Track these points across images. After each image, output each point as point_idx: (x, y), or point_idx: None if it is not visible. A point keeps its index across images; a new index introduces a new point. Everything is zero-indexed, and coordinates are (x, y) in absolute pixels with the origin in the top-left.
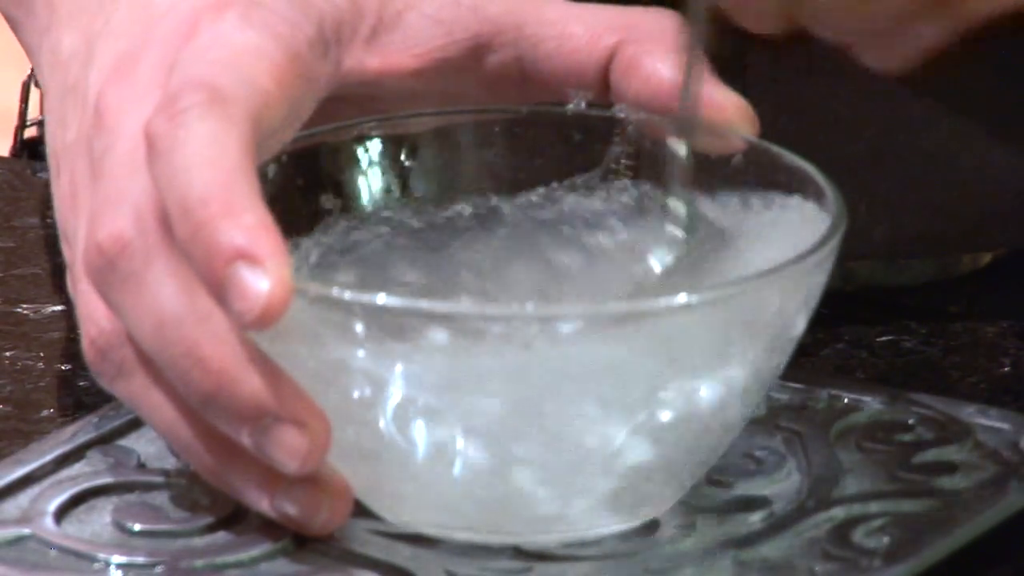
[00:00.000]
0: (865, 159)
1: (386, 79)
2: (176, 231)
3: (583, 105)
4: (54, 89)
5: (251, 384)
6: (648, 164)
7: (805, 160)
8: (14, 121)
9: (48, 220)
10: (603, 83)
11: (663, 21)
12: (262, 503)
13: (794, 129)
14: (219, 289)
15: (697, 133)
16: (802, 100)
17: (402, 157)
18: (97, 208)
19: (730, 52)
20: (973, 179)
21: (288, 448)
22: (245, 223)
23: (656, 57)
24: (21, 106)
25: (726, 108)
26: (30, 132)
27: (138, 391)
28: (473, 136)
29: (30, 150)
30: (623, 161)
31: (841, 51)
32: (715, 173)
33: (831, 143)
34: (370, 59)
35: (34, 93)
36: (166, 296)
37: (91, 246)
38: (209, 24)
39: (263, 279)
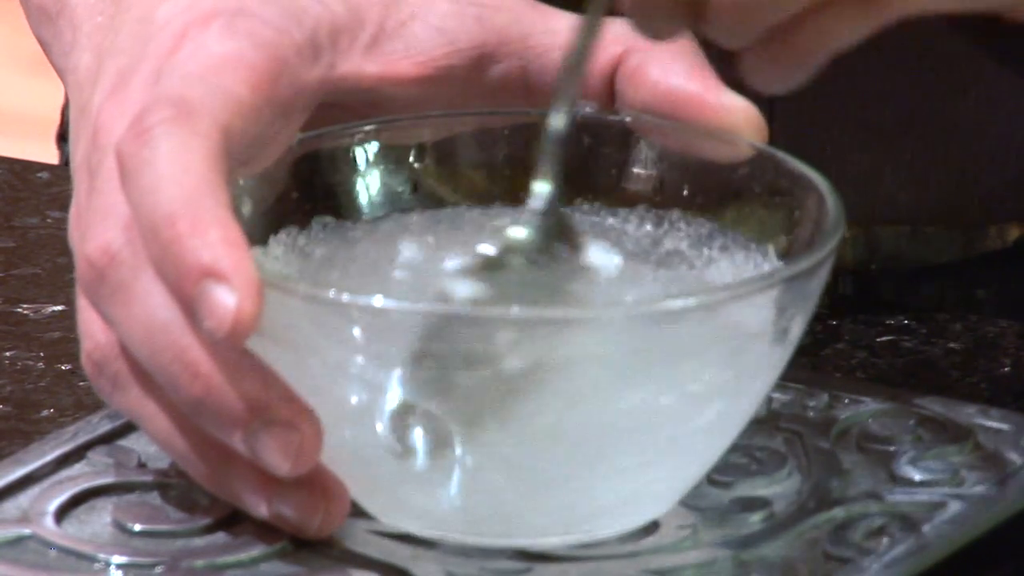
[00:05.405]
0: (892, 125)
1: (387, 86)
2: (147, 251)
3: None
4: (74, 109)
5: (239, 387)
6: (668, 173)
7: (809, 167)
8: (50, 127)
9: (48, 220)
10: (608, 93)
11: None
12: (260, 508)
13: (822, 96)
14: (190, 307)
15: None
16: (831, 67)
17: (408, 160)
18: (88, 223)
19: None
20: (999, 148)
21: (280, 450)
22: (210, 240)
23: (662, 65)
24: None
25: (734, 113)
26: None
27: (134, 403)
28: (480, 140)
29: None
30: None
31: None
32: (718, 178)
33: (859, 109)
34: (369, 66)
35: None
36: (154, 304)
37: (82, 259)
38: (193, 36)
39: (230, 295)
